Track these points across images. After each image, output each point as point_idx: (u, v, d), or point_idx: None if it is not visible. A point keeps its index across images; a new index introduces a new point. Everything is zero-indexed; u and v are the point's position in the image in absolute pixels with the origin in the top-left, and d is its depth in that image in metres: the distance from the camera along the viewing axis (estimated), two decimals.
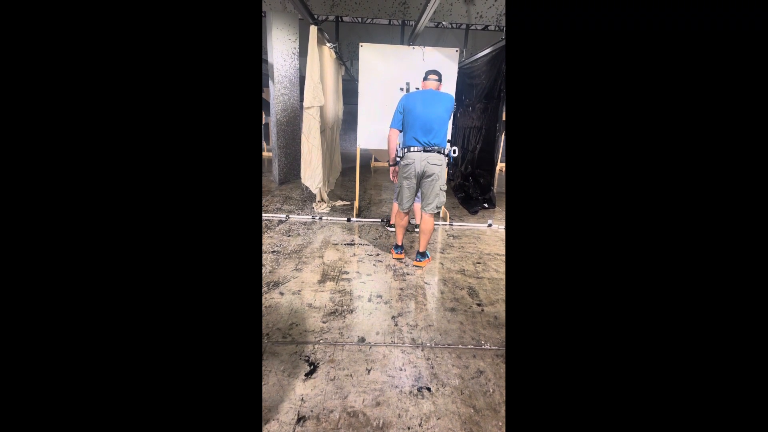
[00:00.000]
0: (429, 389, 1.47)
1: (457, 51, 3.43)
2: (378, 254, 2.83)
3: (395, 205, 3.00)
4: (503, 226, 3.65)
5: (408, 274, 2.51)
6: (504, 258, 2.88)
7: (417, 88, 3.45)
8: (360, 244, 3.02)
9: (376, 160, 7.02)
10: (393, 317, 1.98)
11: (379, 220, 3.68)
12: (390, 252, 2.85)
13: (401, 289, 2.31)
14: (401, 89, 3.46)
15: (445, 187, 2.48)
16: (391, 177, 2.66)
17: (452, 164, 5.52)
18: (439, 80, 2.49)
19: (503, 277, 2.55)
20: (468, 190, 4.57)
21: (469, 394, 1.45)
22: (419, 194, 2.59)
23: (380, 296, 2.20)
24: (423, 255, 2.65)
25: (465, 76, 4.92)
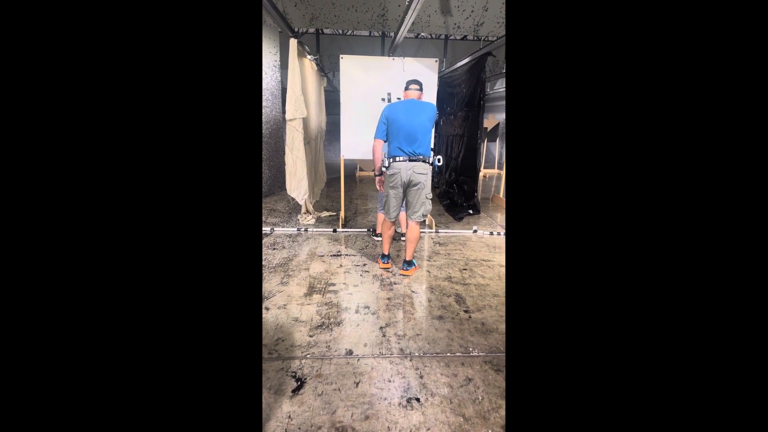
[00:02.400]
0: (418, 400, 1.46)
1: (436, 61, 3.49)
2: (365, 264, 2.82)
3: (380, 215, 3.01)
4: (488, 232, 3.69)
5: (395, 284, 2.51)
6: (489, 263, 2.91)
7: (399, 98, 3.49)
8: (346, 255, 3.01)
9: (361, 169, 7.03)
10: (381, 328, 1.97)
11: (366, 229, 3.67)
12: (377, 261, 2.84)
13: (389, 298, 2.30)
14: (383, 100, 3.50)
15: (430, 196, 2.51)
16: (377, 186, 2.67)
17: (437, 172, 5.57)
18: (420, 89, 2.52)
19: (489, 282, 2.57)
20: (453, 197, 4.62)
21: (459, 403, 1.45)
22: (405, 203, 2.62)
23: (368, 307, 2.18)
24: (410, 263, 2.66)
25: (446, 85, 5.00)
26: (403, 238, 3.29)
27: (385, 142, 2.51)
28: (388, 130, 2.45)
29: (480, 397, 1.48)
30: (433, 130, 3.56)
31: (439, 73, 3.49)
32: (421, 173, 2.42)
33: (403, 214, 3.03)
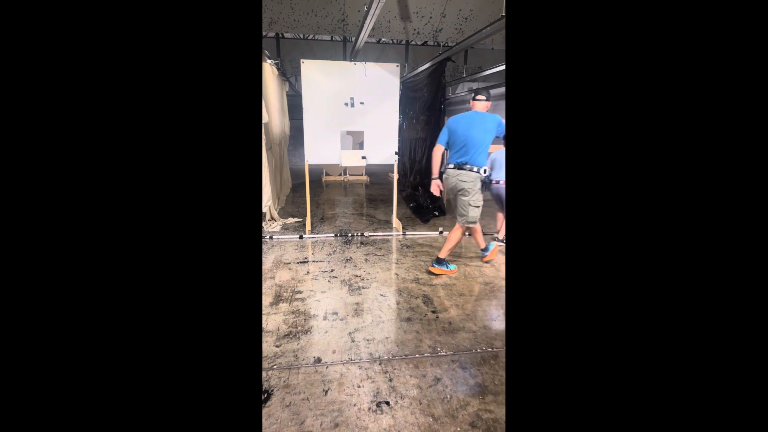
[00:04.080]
0: (388, 403, 1.46)
1: (397, 66, 3.54)
2: (332, 270, 2.80)
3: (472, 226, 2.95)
4: None
5: (364, 288, 2.51)
6: (456, 263, 2.97)
7: (362, 103, 3.51)
8: (314, 261, 2.97)
9: (327, 174, 6.97)
10: (349, 333, 1.95)
11: (333, 234, 3.64)
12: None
13: (357, 303, 2.29)
14: (346, 104, 3.50)
15: (475, 203, 2.61)
16: (431, 189, 2.79)
17: (402, 174, 5.63)
18: (488, 99, 2.65)
19: (455, 282, 2.62)
20: (419, 200, 4.68)
21: (428, 403, 1.46)
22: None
23: (336, 313, 2.16)
24: (439, 261, 2.74)
25: (408, 89, 5.08)
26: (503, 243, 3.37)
27: (445, 149, 2.72)
28: (449, 139, 2.67)
29: (448, 396, 1.51)
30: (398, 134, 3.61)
31: (401, 77, 3.54)
32: (465, 181, 2.59)
33: (499, 216, 3.23)
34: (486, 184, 2.73)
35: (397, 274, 2.76)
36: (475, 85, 8.22)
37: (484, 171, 2.65)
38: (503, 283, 2.64)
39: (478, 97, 2.65)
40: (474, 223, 2.68)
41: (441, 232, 3.76)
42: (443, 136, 2.69)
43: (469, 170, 2.58)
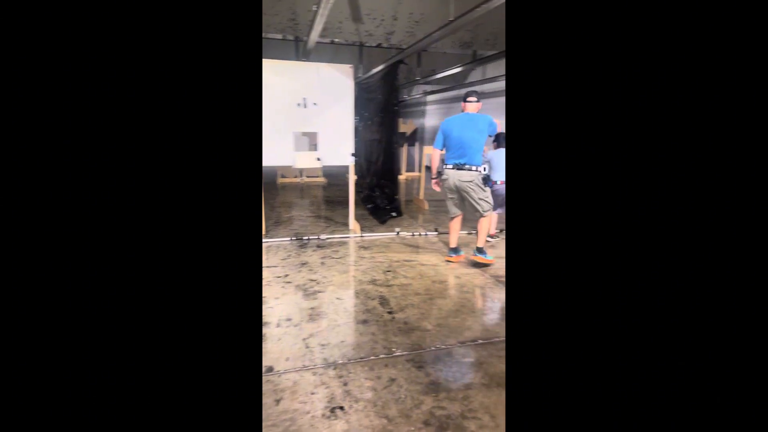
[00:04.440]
0: (342, 408, 1.44)
1: (351, 67, 3.53)
2: (287, 275, 2.73)
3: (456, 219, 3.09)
4: (410, 233, 3.82)
5: (319, 292, 2.46)
6: (411, 263, 3.01)
7: (315, 104, 3.46)
8: (267, 267, 2.88)
9: (282, 176, 6.81)
10: (304, 339, 1.91)
11: (288, 239, 3.56)
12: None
13: (312, 308, 2.25)
14: (298, 105, 3.43)
15: (483, 196, 2.81)
16: (432, 186, 3.06)
17: (359, 175, 5.62)
18: (478, 100, 2.82)
19: (411, 282, 2.65)
20: (376, 201, 4.69)
21: (382, 405, 1.46)
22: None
23: (290, 319, 2.11)
24: (479, 251, 2.90)
25: (363, 91, 5.08)
26: (491, 240, 3.56)
27: (441, 151, 2.92)
28: (445, 142, 2.85)
29: (403, 396, 1.51)
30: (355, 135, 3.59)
31: (356, 79, 3.54)
32: (465, 180, 2.77)
33: (494, 215, 3.38)
34: (486, 181, 2.88)
35: (354, 276, 2.74)
36: (429, 88, 8.41)
37: (484, 169, 2.86)
38: (457, 281, 2.71)
39: (469, 99, 2.81)
40: (489, 211, 2.87)
41: (398, 233, 3.80)
42: (438, 139, 2.86)
43: (468, 169, 2.77)
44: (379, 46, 4.10)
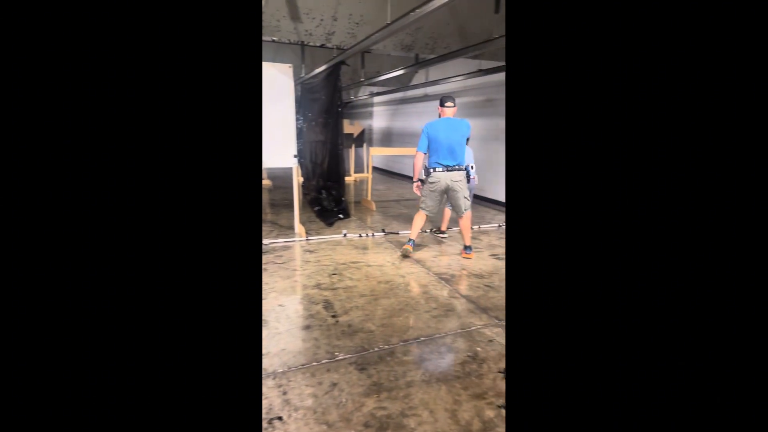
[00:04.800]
0: (281, 418, 1.40)
1: (290, 67, 3.45)
2: None
3: (423, 213, 3.23)
4: (357, 235, 3.82)
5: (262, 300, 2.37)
6: (358, 265, 3.00)
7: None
8: None
9: None
10: None
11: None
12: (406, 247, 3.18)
13: None
14: None
15: (466, 194, 3.06)
16: (414, 190, 3.20)
17: (305, 177, 5.52)
18: (454, 104, 3.01)
19: (357, 284, 2.65)
20: (323, 203, 4.63)
21: (323, 411, 1.44)
22: (450, 204, 3.22)
23: None
24: (469, 248, 3.16)
25: (307, 91, 4.99)
26: (444, 236, 3.81)
27: (425, 154, 3.05)
28: (429, 145, 2.96)
29: (344, 400, 1.50)
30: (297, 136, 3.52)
31: (298, 79, 3.46)
32: (457, 180, 2.99)
33: (446, 212, 3.67)
34: (468, 179, 3.08)
35: (297, 282, 2.67)
36: (376, 89, 8.46)
37: (471, 167, 3.13)
38: (402, 280, 2.75)
39: (447, 104, 3.00)
40: (468, 209, 3.12)
41: (345, 235, 3.77)
42: (422, 143, 2.98)
43: (458, 170, 2.98)
44: (322, 46, 4.04)
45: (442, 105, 3.02)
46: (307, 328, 2.05)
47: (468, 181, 3.10)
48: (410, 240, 3.23)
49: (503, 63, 4.76)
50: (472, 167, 3.13)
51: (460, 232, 3.27)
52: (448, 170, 2.98)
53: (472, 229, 3.38)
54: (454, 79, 5.61)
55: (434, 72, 6.46)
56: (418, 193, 3.17)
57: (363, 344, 1.90)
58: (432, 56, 4.44)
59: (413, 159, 3.12)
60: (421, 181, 3.15)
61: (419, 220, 3.22)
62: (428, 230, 3.97)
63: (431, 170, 3.02)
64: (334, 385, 1.59)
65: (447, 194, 3.09)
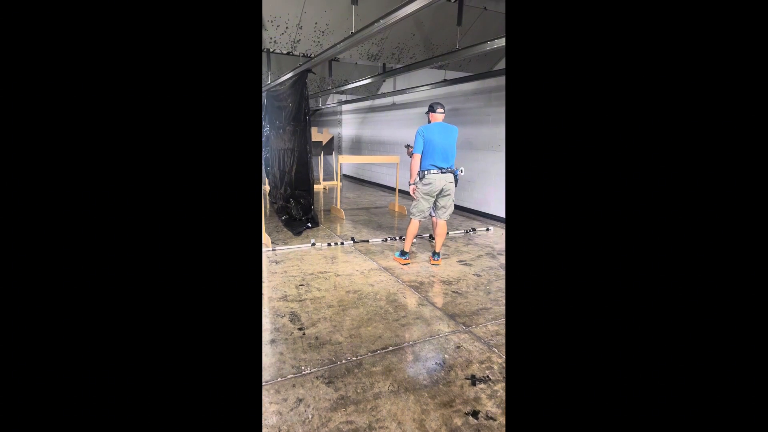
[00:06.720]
0: None
1: None
2: None
3: (415, 222, 3.25)
4: (326, 244, 3.77)
5: None
6: (326, 275, 2.96)
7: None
8: None
9: None
10: None
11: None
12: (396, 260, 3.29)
13: None
14: None
15: (453, 198, 3.17)
16: (411, 193, 3.21)
17: (273, 186, 5.41)
18: (444, 111, 3.15)
19: (325, 294, 2.60)
20: (291, 212, 4.55)
21: (288, 429, 1.39)
22: (434, 206, 3.23)
23: None
24: (437, 255, 3.25)
25: (273, 99, 4.91)
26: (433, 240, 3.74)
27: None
28: (424, 148, 3.03)
29: (310, 416, 1.46)
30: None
31: (264, 86, 3.39)
32: (450, 182, 3.10)
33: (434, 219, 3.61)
34: (456, 181, 3.18)
35: (263, 294, 2.59)
36: (344, 97, 8.46)
37: (461, 171, 3.24)
38: (370, 289, 2.73)
39: (439, 110, 3.12)
40: (451, 214, 3.25)
41: (313, 244, 3.71)
42: (419, 145, 3.04)
43: (452, 172, 3.11)
44: (289, 54, 4.00)
45: (433, 111, 3.14)
46: (272, 342, 1.99)
47: (456, 184, 3.18)
48: (405, 254, 3.25)
49: (468, 74, 4.89)
50: (461, 171, 3.23)
51: (431, 238, 3.30)
52: (442, 172, 3.07)
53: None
54: (420, 88, 5.70)
55: (401, 81, 6.55)
56: (415, 196, 3.18)
57: (330, 357, 1.87)
58: (398, 66, 4.49)
59: (410, 162, 3.17)
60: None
61: (413, 228, 3.23)
62: (424, 235, 3.98)
63: (425, 172, 3.07)
64: (300, 400, 1.55)
65: (438, 196, 3.14)
